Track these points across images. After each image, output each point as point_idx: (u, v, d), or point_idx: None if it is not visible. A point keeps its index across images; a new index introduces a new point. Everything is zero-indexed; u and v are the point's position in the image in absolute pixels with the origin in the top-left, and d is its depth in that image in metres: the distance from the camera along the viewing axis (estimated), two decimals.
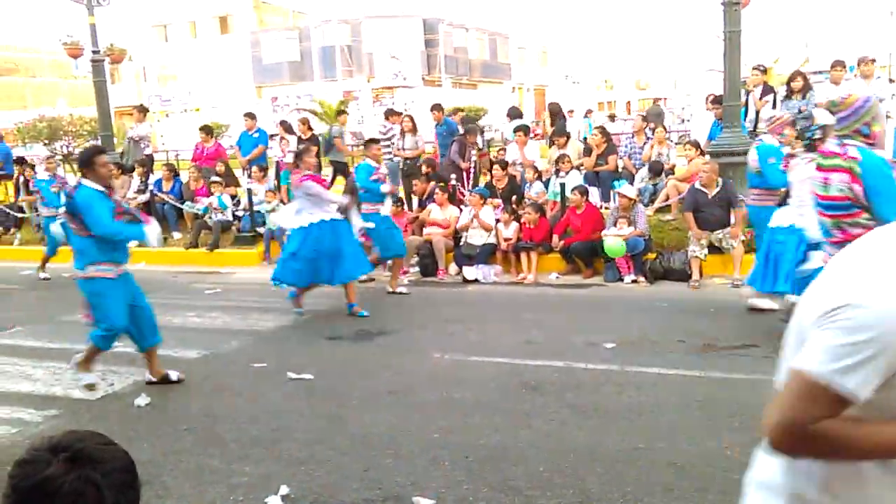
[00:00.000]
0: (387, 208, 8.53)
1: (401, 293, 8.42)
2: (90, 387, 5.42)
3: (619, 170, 10.90)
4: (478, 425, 4.56)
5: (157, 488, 3.85)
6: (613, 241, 8.40)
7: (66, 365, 6.06)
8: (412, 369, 5.75)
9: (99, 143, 12.69)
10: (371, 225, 8.10)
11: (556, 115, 13.39)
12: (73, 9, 12.79)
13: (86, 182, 5.15)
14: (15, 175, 13.47)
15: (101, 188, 5.14)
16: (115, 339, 5.38)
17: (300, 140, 12.44)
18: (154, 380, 5.55)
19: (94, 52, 13.08)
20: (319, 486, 3.87)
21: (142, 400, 5.22)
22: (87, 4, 12.68)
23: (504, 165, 10.43)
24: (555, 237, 9.00)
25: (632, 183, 10.17)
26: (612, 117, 23.90)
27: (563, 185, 9.71)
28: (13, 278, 10.31)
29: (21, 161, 13.72)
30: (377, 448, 4.28)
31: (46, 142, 18.98)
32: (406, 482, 3.87)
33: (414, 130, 11.71)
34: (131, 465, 1.36)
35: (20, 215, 12.90)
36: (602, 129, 11.55)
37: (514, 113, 13.29)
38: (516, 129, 11.39)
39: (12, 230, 12.91)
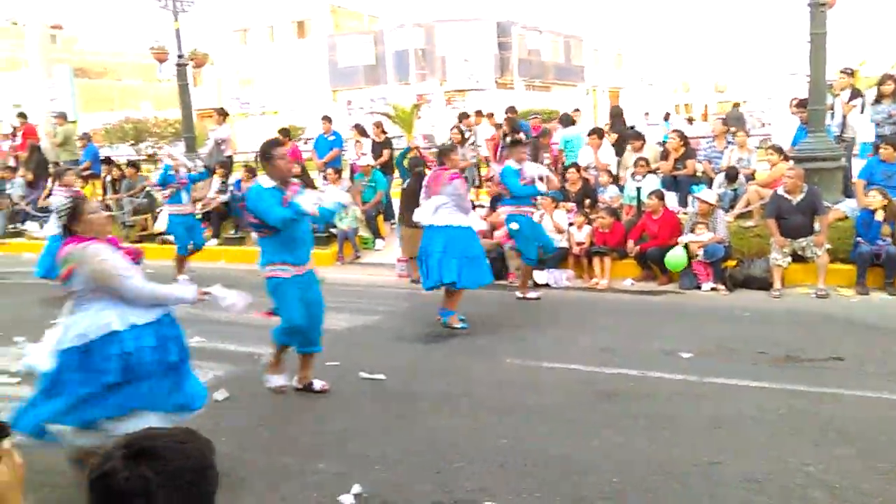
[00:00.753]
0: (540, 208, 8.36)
1: (530, 298, 8.19)
2: (278, 390, 5.37)
3: (698, 174, 10.63)
4: (548, 433, 4.51)
5: (232, 483, 3.94)
6: (676, 253, 8.19)
7: None
8: (483, 373, 5.73)
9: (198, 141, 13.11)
10: (515, 226, 7.86)
11: (618, 118, 13.14)
12: (159, 14, 13.32)
13: (259, 179, 5.12)
14: (103, 174, 14.05)
15: (274, 184, 5.01)
16: (295, 336, 5.25)
17: (374, 143, 12.61)
18: (299, 386, 5.45)
19: (178, 56, 13.55)
20: (390, 486, 3.90)
21: (220, 395, 5.36)
22: (173, 10, 13.16)
23: (578, 168, 10.30)
24: (629, 242, 8.83)
25: (710, 188, 9.90)
26: (690, 120, 23.34)
27: (639, 190, 9.53)
28: None
29: (108, 161, 14.33)
30: (447, 451, 4.28)
31: (132, 142, 19.75)
32: (475, 487, 3.85)
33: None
34: (201, 465, 1.38)
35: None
36: (680, 133, 11.28)
37: (567, 120, 13.09)
38: (590, 133, 11.24)
39: None
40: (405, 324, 7.37)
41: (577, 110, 14.08)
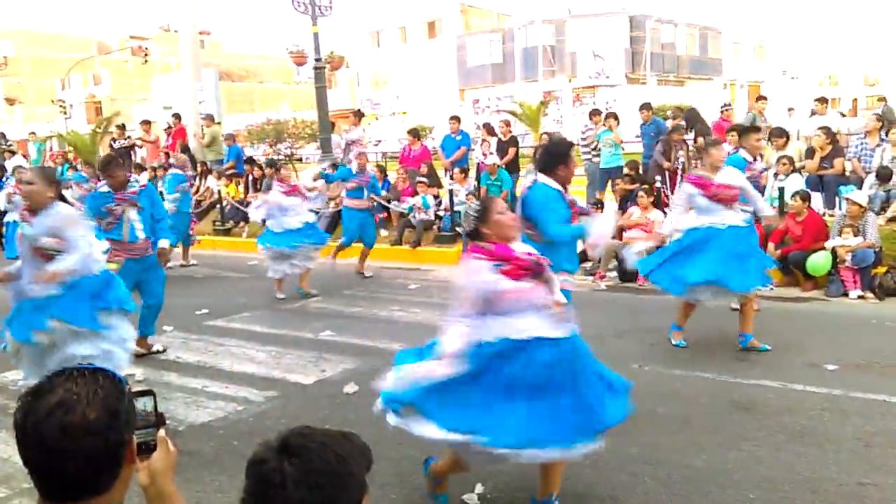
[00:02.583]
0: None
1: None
2: None
3: (847, 174, 9.93)
4: (682, 443, 4.34)
5: None
6: (820, 257, 7.66)
7: (284, 349, 6.62)
8: None
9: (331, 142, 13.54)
10: None
11: (693, 121, 12.46)
12: (297, 19, 13.88)
13: (543, 179, 4.67)
14: (245, 173, 14.84)
15: (559, 187, 4.64)
16: None
17: (500, 142, 12.62)
18: None
19: (316, 59, 14.10)
20: (515, 488, 3.88)
21: (350, 388, 5.52)
22: (311, 15, 13.69)
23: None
24: (770, 245, 8.36)
25: (860, 188, 9.23)
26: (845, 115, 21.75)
27: (781, 190, 9.01)
28: (241, 267, 11.37)
29: (251, 161, 15.12)
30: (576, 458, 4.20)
31: (273, 143, 20.70)
32: (605, 495, 3.77)
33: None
34: (342, 470, 1.41)
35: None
36: (827, 130, 10.57)
37: (693, 116, 12.52)
38: (729, 130, 10.74)
39: (241, 224, 14.23)
40: None
41: (728, 106, 13.22)
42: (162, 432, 1.66)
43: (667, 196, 10.04)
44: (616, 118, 12.23)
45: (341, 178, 10.12)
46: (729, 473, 3.92)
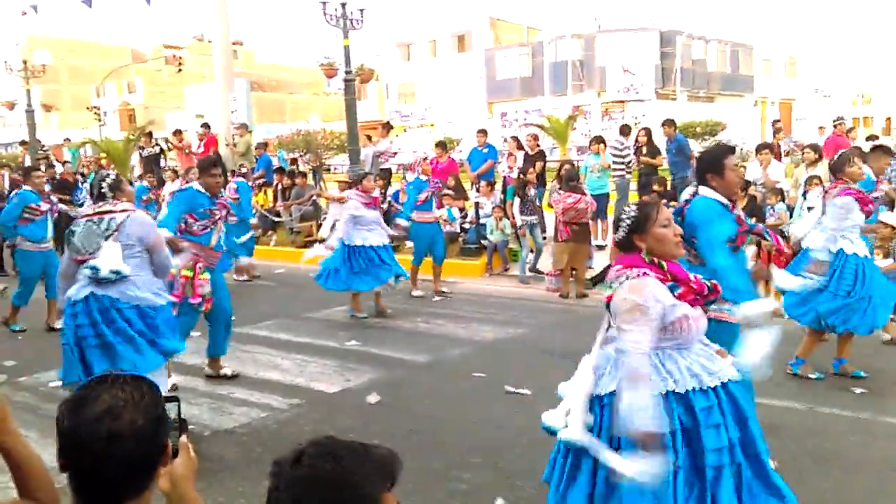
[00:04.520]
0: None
1: None
2: None
3: (880, 195, 9.79)
4: None
5: None
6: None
7: (309, 358, 6.68)
8: None
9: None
10: None
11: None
12: (328, 31, 14.04)
13: (705, 191, 3.92)
14: (275, 182, 15.01)
15: (723, 199, 3.88)
16: None
17: (527, 156, 12.62)
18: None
19: (346, 72, 14.24)
20: (536, 503, 3.87)
21: (373, 398, 5.56)
22: (343, 28, 13.84)
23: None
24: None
25: (892, 209, 9.08)
26: (872, 138, 21.53)
27: (810, 210, 8.90)
28: (268, 275, 11.47)
29: (280, 171, 15.28)
30: None
31: (302, 153, 20.92)
32: None
33: (649, 144, 11.52)
34: (326, 475, 1.37)
35: (277, 219, 14.34)
36: (858, 150, 10.44)
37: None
38: (760, 148, 10.67)
39: (269, 232, 14.37)
40: (552, 338, 7.30)
41: (840, 120, 12.62)
42: (184, 438, 1.70)
43: None
44: (603, 142, 12.21)
45: (417, 191, 9.29)
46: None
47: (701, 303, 2.86)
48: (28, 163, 18.06)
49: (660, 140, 13.06)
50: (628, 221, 2.87)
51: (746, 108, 37.63)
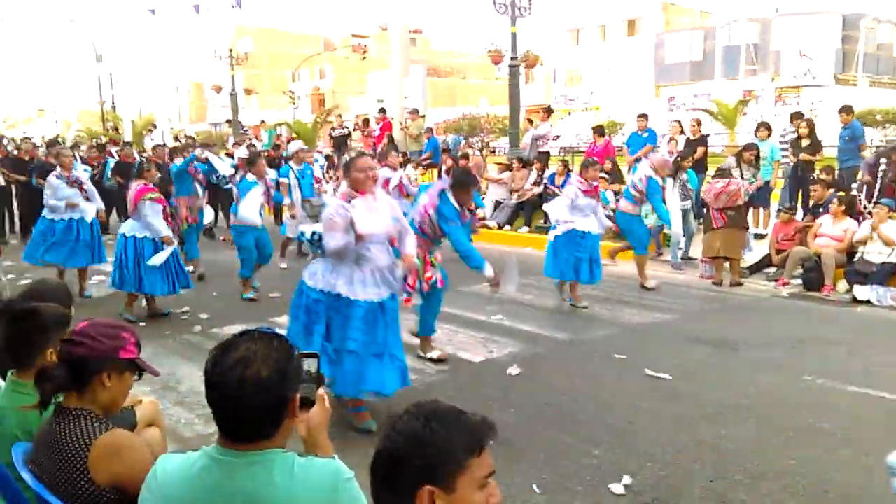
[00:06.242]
0: None
1: None
2: None
3: None
4: (844, 461, 4.19)
5: (513, 451, 4.28)
6: None
7: (457, 328, 7.04)
8: (777, 388, 5.44)
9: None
10: None
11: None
12: (498, 18, 14.36)
13: None
14: (440, 163, 15.55)
15: None
16: None
17: (688, 141, 12.30)
18: None
19: (511, 58, 14.50)
20: (662, 485, 3.94)
21: (514, 370, 5.80)
22: (511, 15, 14.10)
23: None
24: None
25: None
26: None
27: None
28: None
29: (446, 151, 15.82)
30: (727, 461, 4.19)
31: (465, 136, 21.49)
32: (751, 503, 3.76)
33: (810, 135, 10.93)
34: (412, 429, 1.54)
35: None
36: None
37: None
38: None
39: None
40: (698, 325, 7.21)
41: None
42: (321, 391, 1.95)
43: (862, 205, 9.35)
44: (769, 128, 11.70)
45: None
46: (883, 497, 3.76)
47: None
48: (233, 140, 20.00)
49: (834, 127, 12.28)
50: None
51: None
